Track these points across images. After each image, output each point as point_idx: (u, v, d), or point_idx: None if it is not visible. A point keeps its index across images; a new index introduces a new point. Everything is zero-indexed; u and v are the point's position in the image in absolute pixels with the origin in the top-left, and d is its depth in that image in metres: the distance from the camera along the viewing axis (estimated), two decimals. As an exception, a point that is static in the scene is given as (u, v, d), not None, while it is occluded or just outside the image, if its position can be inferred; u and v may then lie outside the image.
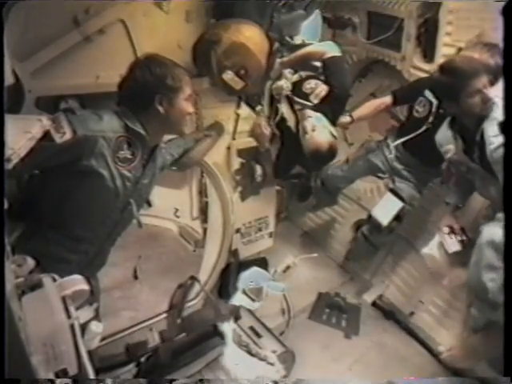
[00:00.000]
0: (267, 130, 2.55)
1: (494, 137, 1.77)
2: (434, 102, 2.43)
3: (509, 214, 1.31)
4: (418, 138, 2.53)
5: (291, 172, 2.83)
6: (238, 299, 1.98)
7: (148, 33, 1.97)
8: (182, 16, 2.09)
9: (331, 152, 2.36)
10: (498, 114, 1.74)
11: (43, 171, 1.47)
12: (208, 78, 2.25)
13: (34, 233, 1.49)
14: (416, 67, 2.67)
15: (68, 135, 1.35)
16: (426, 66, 2.59)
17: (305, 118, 2.42)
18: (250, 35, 2.12)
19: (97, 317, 1.63)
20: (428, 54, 2.58)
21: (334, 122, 2.48)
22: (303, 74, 2.55)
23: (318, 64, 2.53)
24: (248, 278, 2.01)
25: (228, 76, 2.11)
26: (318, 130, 2.34)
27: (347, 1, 2.85)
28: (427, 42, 2.56)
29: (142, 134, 1.55)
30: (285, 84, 2.45)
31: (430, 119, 2.46)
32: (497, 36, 1.70)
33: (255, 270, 2.12)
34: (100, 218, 1.58)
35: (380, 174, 3.00)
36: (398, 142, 2.70)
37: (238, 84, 2.14)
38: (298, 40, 2.61)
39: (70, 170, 1.42)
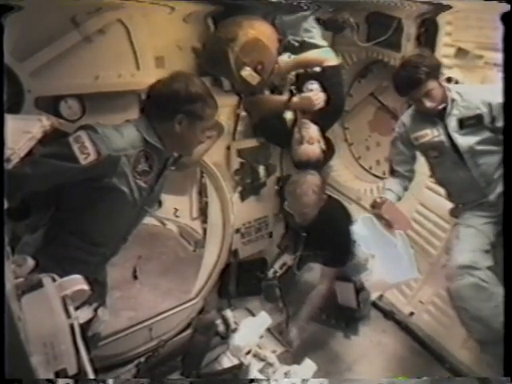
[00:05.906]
0: None
1: (455, 132, 1.97)
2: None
3: (508, 215, 1.31)
4: None
5: None
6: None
7: (148, 33, 1.97)
8: (181, 17, 2.09)
9: (317, 163, 2.48)
10: (455, 111, 1.97)
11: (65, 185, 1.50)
12: (209, 78, 2.25)
13: (55, 237, 1.53)
14: (416, 67, 2.66)
15: (92, 156, 1.36)
16: (426, 66, 2.59)
17: (303, 127, 2.46)
18: (263, 30, 2.15)
19: (103, 304, 1.69)
20: (428, 54, 2.58)
21: (324, 131, 2.53)
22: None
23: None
24: (241, 349, 1.91)
25: (246, 72, 2.12)
26: (315, 145, 2.43)
27: (347, 1, 2.84)
28: (427, 42, 2.56)
29: (160, 148, 1.57)
30: (288, 58, 2.43)
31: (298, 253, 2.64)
32: (496, 36, 1.71)
33: (242, 335, 1.95)
34: (118, 225, 1.64)
35: None
36: None
37: (255, 79, 2.16)
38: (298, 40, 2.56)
39: (92, 185, 1.45)
